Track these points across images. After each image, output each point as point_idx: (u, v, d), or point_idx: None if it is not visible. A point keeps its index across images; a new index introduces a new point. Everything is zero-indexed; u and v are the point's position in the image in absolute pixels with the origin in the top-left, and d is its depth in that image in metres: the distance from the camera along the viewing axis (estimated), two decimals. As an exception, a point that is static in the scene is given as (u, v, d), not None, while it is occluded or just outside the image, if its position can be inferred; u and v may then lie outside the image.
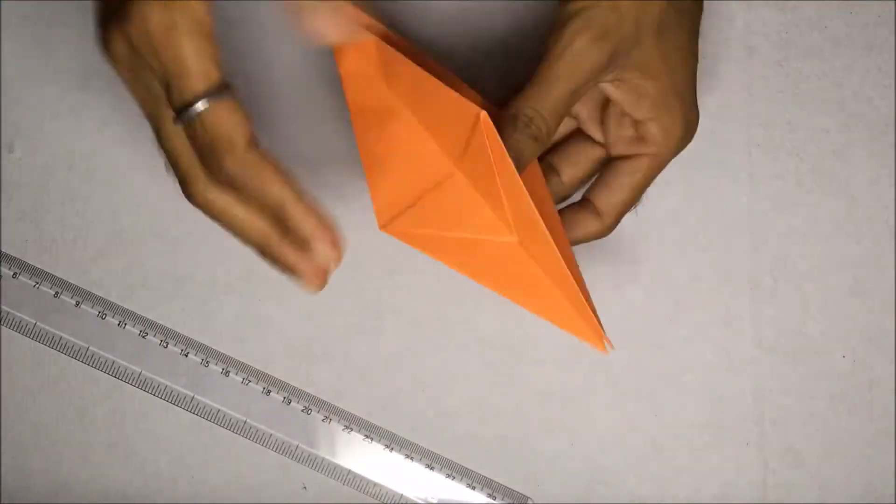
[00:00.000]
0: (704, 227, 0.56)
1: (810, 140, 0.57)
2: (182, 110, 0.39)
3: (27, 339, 0.56)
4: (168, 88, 0.40)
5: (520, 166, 0.43)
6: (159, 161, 0.57)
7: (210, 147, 0.40)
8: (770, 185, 0.57)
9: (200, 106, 0.39)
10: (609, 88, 0.47)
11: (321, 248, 0.42)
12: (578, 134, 0.51)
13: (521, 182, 0.42)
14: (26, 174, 0.57)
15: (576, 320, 0.44)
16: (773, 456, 0.56)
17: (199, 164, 0.41)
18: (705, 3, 0.57)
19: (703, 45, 0.57)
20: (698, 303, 0.56)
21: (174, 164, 0.42)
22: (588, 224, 0.50)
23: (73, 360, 0.56)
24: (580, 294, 0.44)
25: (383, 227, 0.45)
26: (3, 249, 0.57)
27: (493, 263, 0.45)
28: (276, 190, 0.41)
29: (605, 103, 0.49)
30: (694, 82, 0.49)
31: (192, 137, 0.40)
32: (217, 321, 0.57)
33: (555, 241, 0.42)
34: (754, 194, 0.57)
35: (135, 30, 0.39)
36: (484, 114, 0.42)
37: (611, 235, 0.56)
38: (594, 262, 0.56)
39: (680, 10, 0.47)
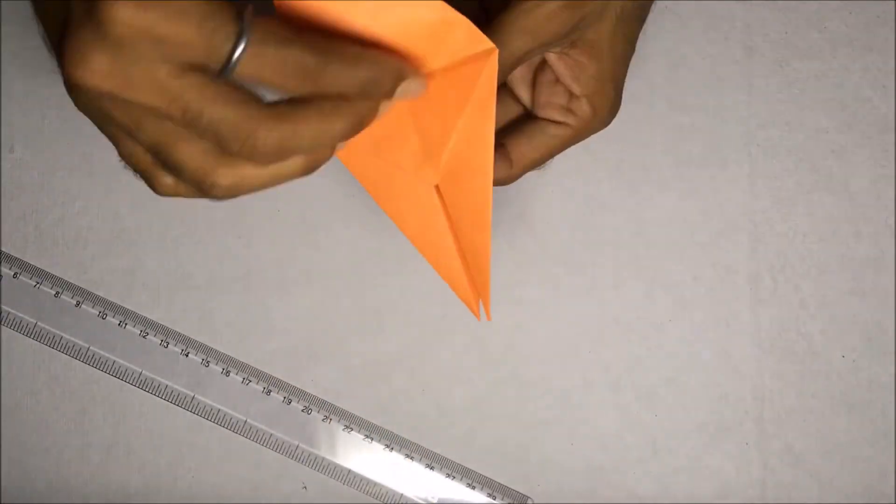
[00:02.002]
0: (704, 227, 0.56)
1: (810, 140, 0.57)
2: (222, 71, 0.33)
3: (27, 339, 0.56)
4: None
5: None
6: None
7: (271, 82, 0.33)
8: (770, 185, 0.57)
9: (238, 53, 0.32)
10: (553, 58, 0.48)
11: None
12: (501, 89, 0.50)
13: (488, 133, 0.39)
14: (26, 174, 0.57)
15: (462, 283, 0.45)
16: (772, 456, 0.56)
17: (207, 158, 0.35)
18: (705, 3, 0.57)
19: (703, 45, 0.57)
20: (698, 303, 0.56)
21: (185, 175, 0.35)
22: (498, 168, 0.51)
23: (73, 360, 0.56)
24: (481, 259, 0.44)
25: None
26: (3, 249, 0.57)
27: (410, 203, 0.43)
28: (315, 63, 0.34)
29: (540, 67, 0.50)
30: (626, 73, 0.50)
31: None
32: (217, 321, 0.57)
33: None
34: (754, 194, 0.57)
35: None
36: (495, 54, 0.38)
37: (611, 235, 0.56)
38: (594, 263, 0.56)
39: (639, 4, 0.48)
